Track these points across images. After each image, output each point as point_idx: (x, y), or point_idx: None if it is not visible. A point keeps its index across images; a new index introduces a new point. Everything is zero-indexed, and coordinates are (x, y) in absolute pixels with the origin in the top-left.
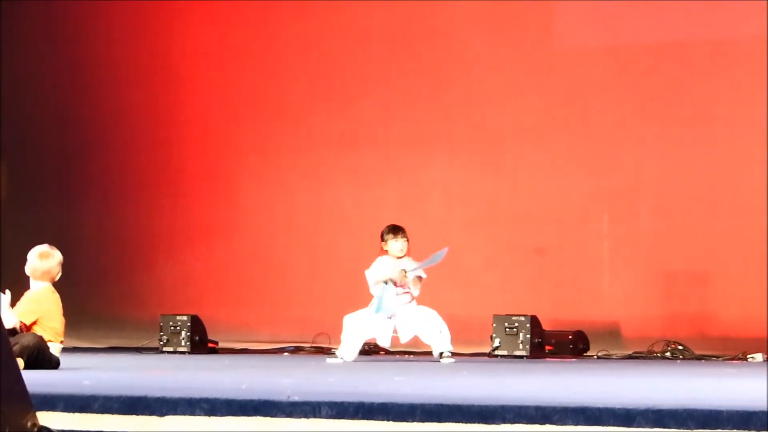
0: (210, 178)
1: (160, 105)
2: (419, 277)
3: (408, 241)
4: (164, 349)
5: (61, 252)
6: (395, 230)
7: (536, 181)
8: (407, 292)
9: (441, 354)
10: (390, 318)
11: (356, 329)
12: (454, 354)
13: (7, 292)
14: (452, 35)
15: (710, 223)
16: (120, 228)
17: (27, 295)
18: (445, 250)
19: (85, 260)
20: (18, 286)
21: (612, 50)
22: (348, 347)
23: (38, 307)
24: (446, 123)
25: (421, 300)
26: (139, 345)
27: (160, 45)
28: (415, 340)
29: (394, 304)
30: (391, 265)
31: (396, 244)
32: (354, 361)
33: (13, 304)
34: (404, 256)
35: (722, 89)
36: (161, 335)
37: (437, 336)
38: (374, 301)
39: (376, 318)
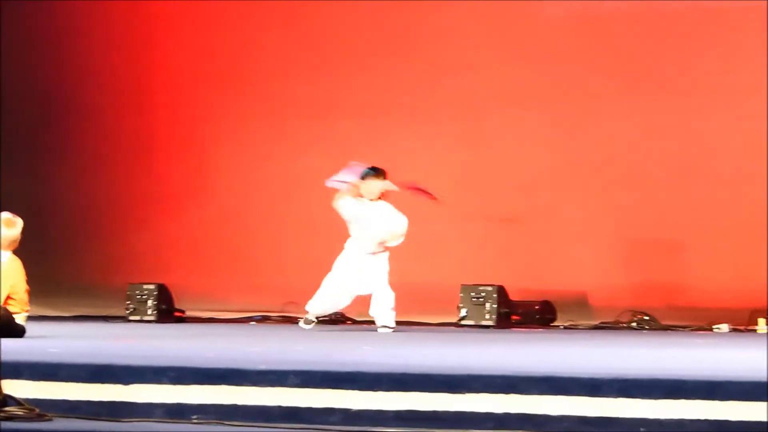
0: (182, 144)
1: (132, 71)
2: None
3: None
4: (131, 317)
5: (30, 219)
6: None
7: (509, 150)
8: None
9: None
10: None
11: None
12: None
13: None
14: (430, 3)
15: (679, 193)
16: (90, 195)
17: (9, 271)
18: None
19: (55, 228)
20: None
21: (587, 20)
22: (318, 300)
23: (8, 282)
24: (421, 92)
25: (390, 266)
26: (106, 314)
27: (132, 10)
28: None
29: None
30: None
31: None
32: (316, 317)
33: None
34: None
35: (696, 59)
36: (128, 304)
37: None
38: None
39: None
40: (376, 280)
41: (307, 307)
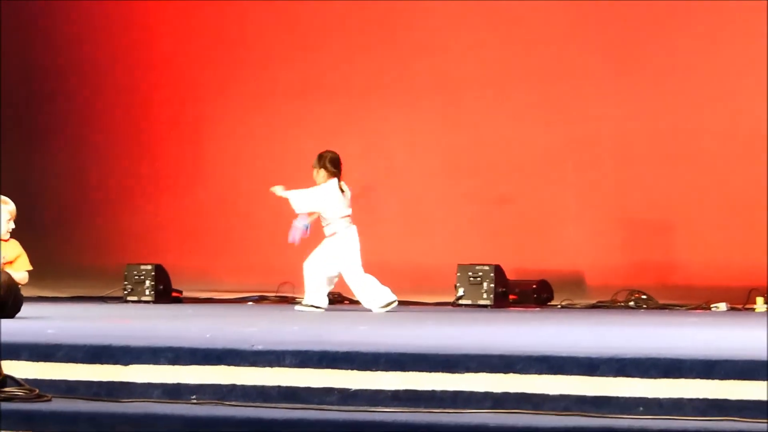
0: (174, 126)
1: (124, 53)
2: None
3: (319, 168)
4: (128, 298)
5: (26, 200)
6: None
7: (499, 131)
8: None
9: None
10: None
11: (319, 273)
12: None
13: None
14: None
15: (673, 171)
16: (84, 176)
17: (16, 244)
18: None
19: (49, 209)
20: None
21: (576, 1)
22: (318, 294)
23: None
24: (408, 73)
25: (383, 248)
26: (104, 294)
27: None
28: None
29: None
30: None
31: None
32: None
33: None
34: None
35: (683, 38)
36: (125, 284)
37: None
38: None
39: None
40: (342, 261)
41: (320, 305)
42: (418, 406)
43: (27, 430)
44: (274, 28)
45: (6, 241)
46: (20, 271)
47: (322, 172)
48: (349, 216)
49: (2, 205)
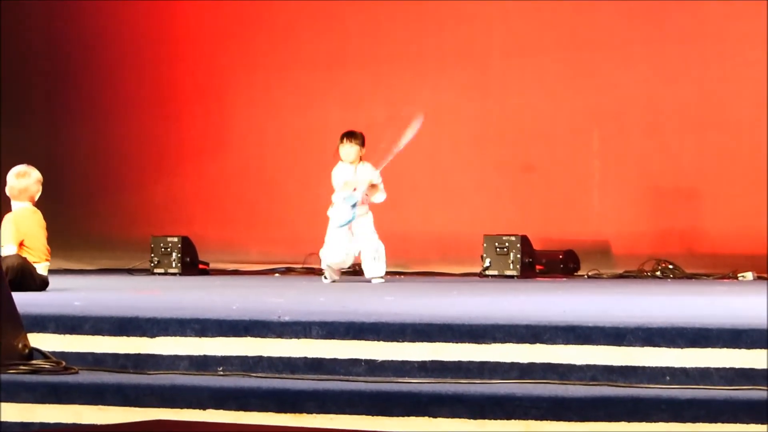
0: (200, 97)
1: (149, 24)
2: (374, 185)
3: (362, 147)
4: (155, 270)
5: (51, 172)
6: (346, 135)
7: (525, 100)
8: (363, 203)
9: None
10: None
11: (328, 261)
12: (443, 274)
13: None
14: None
15: (699, 140)
16: (110, 148)
17: (7, 217)
18: (418, 121)
19: (75, 180)
20: (9, 205)
21: None
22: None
23: (18, 229)
24: (435, 42)
25: (409, 218)
26: (130, 266)
27: None
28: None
29: (348, 215)
30: (344, 174)
31: (343, 150)
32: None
33: None
34: (357, 161)
35: (712, 5)
36: (152, 257)
37: (371, 263)
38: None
39: (337, 240)
40: (362, 238)
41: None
42: (444, 377)
43: (54, 403)
44: None
45: None
46: (40, 263)
47: (361, 152)
48: None
49: None
